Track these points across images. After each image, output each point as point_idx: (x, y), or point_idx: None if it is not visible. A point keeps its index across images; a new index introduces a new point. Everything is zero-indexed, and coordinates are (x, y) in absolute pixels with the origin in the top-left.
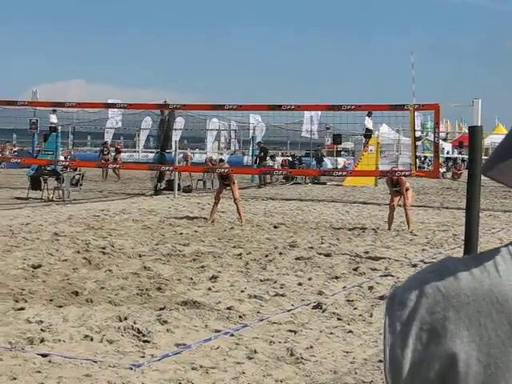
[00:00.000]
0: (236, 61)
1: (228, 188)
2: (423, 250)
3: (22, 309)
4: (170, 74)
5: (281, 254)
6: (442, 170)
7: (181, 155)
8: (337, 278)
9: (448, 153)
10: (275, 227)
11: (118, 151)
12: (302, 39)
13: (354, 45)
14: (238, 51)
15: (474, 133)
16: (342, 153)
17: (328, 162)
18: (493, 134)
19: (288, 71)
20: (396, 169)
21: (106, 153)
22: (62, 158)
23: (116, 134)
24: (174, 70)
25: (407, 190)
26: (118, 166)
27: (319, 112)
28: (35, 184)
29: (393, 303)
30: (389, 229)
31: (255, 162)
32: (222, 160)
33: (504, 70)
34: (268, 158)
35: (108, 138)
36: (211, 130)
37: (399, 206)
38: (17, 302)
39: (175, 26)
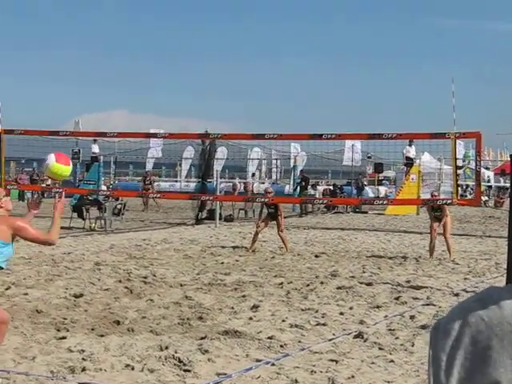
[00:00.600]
0: (278, 89)
1: (273, 220)
2: (465, 278)
3: (64, 338)
4: (214, 103)
5: (322, 283)
6: (484, 198)
7: (222, 185)
8: (378, 307)
9: (489, 181)
10: (316, 256)
11: (148, 181)
12: (342, 68)
13: (394, 73)
14: (279, 81)
15: None
16: (384, 181)
17: (369, 191)
18: None
19: (328, 99)
20: (436, 194)
21: (147, 183)
22: (104, 187)
23: (157, 164)
24: (218, 99)
25: (446, 216)
26: (158, 195)
27: (361, 141)
28: (78, 213)
29: (437, 333)
30: (430, 257)
31: (294, 190)
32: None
33: None
34: (309, 187)
35: (149, 167)
36: (252, 159)
37: (439, 234)
38: (58, 331)
39: (215, 56)
